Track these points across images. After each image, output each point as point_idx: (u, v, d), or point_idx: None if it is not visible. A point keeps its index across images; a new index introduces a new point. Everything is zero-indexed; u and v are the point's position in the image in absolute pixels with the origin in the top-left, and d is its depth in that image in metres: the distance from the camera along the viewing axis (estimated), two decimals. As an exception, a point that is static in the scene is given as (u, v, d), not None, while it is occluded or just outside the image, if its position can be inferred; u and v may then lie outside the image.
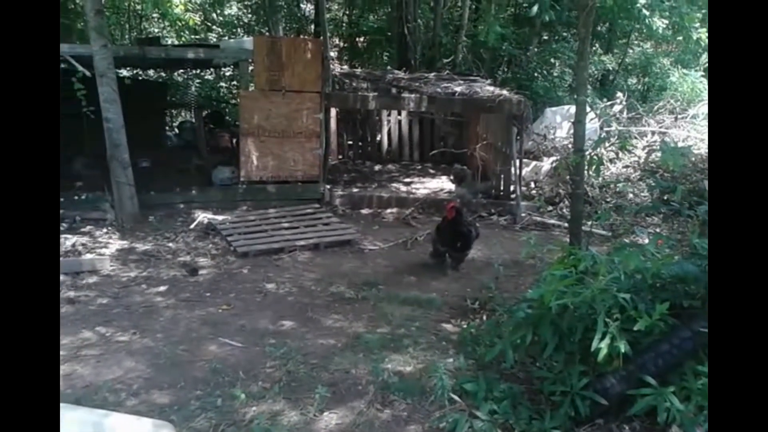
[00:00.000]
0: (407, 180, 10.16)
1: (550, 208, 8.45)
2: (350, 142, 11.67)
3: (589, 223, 6.07)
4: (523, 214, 8.10)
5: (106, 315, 4.95)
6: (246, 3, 17.37)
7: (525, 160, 8.90)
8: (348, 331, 4.72)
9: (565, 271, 3.35)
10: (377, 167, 10.98)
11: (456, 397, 3.59)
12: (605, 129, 10.08)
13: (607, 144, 8.30)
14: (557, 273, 3.31)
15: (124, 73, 13.64)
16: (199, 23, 16.06)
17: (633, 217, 8.05)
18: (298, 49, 7.97)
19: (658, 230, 7.27)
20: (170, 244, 6.76)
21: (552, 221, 7.98)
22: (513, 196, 8.40)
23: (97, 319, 4.85)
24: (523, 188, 8.68)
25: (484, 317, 4.94)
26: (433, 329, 4.76)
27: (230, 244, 6.64)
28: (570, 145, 9.91)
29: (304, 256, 6.53)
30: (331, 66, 11.19)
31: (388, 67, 12.09)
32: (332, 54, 15.81)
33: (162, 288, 5.58)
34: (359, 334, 4.61)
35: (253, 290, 5.56)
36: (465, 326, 4.72)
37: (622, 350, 2.91)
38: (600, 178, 8.50)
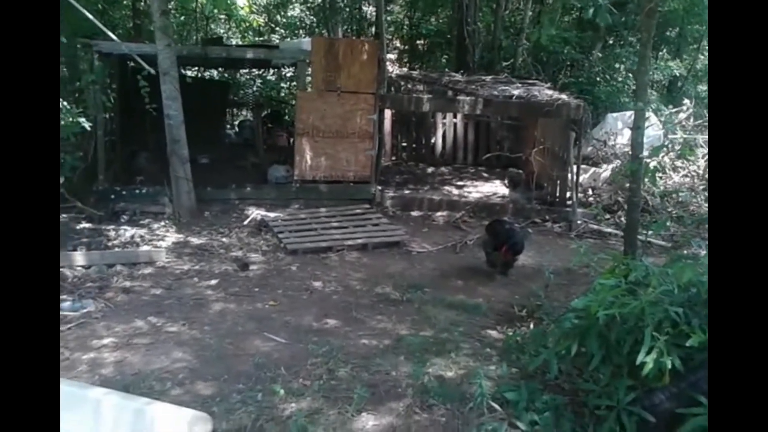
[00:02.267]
0: (460, 183, 10.06)
1: (607, 216, 8.17)
2: (404, 144, 11.66)
3: (646, 232, 5.83)
4: (579, 222, 7.87)
5: (158, 305, 5.10)
6: (309, 5, 17.68)
7: (583, 166, 8.67)
8: (391, 332, 4.69)
9: (615, 281, 3.22)
10: (430, 170, 10.92)
11: (496, 406, 3.51)
12: (669, 136, 9.69)
13: (667, 152, 7.95)
14: (606, 283, 3.18)
15: (189, 72, 14.15)
16: (263, 24, 16.42)
17: (696, 227, 7.70)
18: (354, 50, 8.02)
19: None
20: (223, 239, 6.92)
21: (609, 230, 7.72)
22: (569, 202, 8.18)
23: (149, 309, 5.01)
24: (581, 195, 8.44)
25: (531, 325, 4.82)
26: (477, 335, 4.67)
27: (281, 241, 6.74)
28: (631, 152, 9.61)
29: (352, 255, 6.55)
30: (388, 68, 11.24)
31: (446, 70, 12.00)
32: (392, 56, 15.92)
33: (213, 281, 5.71)
34: (402, 336, 4.57)
35: (300, 287, 5.62)
36: (510, 333, 4.61)
37: (670, 366, 2.76)
38: (661, 187, 8.16)
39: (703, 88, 14.76)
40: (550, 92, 8.74)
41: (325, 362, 4.14)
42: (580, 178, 8.38)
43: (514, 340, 4.40)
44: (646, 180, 4.65)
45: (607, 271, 3.54)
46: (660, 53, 13.98)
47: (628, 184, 8.45)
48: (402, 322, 4.88)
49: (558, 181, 8.52)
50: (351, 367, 4.07)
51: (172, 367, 4.07)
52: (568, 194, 8.27)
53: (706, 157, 7.89)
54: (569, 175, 8.12)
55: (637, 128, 4.68)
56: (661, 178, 7.57)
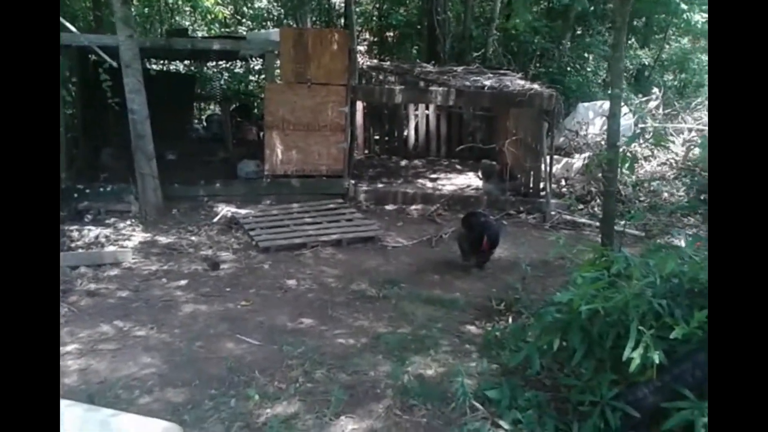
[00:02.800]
0: (433, 176, 9.97)
1: (581, 206, 8.17)
2: (377, 137, 11.52)
3: (622, 222, 5.82)
4: (553, 213, 7.85)
5: (125, 309, 4.90)
6: (277, -5, 17.37)
7: (556, 157, 8.64)
8: (368, 330, 4.58)
9: (596, 273, 3.15)
10: (403, 162, 10.81)
11: (478, 405, 3.43)
12: (640, 125, 9.74)
13: (641, 140, 7.97)
14: (588, 276, 3.12)
15: (154, 65, 13.76)
16: (229, 16, 16.08)
17: (668, 216, 7.75)
18: (324, 40, 7.84)
19: (695, 231, 6.96)
20: (193, 238, 6.71)
21: (583, 220, 7.73)
22: (543, 193, 8.16)
23: (116, 313, 4.80)
24: (554, 186, 8.42)
25: (510, 319, 4.76)
26: (456, 331, 4.59)
27: (252, 239, 6.56)
28: (603, 142, 9.63)
29: (326, 252, 6.42)
30: (359, 59, 11.07)
31: (417, 61, 11.89)
32: (361, 48, 15.72)
33: (182, 282, 5.51)
34: (379, 334, 4.47)
35: (273, 286, 5.47)
36: (489, 329, 4.54)
37: (657, 360, 2.70)
38: (634, 176, 8.19)
39: (669, 77, 14.95)
40: (521, 82, 8.69)
41: (300, 364, 4.01)
42: (553, 169, 8.35)
43: (493, 335, 4.34)
44: (624, 169, 4.59)
45: (587, 263, 3.47)
46: (629, 42, 14.08)
47: (601, 174, 8.55)
48: (379, 320, 4.77)
49: (531, 172, 8.49)
50: (328, 368, 3.95)
51: (140, 373, 3.90)
52: (541, 185, 8.25)
53: (678, 145, 7.94)
54: (542, 165, 8.09)
55: (613, 116, 4.63)
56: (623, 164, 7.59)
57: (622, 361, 3.02)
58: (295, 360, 4.07)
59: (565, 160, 9.32)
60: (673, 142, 8.99)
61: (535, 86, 8.40)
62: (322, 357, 4.11)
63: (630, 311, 2.81)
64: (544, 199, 7.99)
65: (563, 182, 9.07)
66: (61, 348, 4.18)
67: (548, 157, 8.02)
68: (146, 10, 14.75)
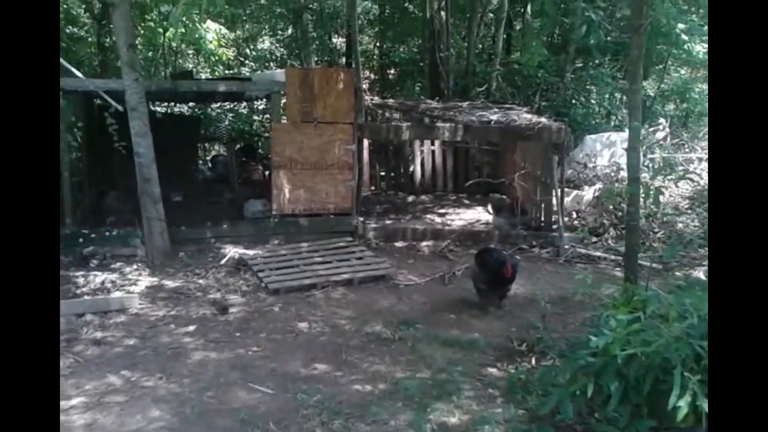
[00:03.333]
0: (442, 211, 9.85)
1: (594, 239, 8.03)
2: (383, 173, 11.45)
3: (643, 256, 5.67)
4: (566, 246, 7.69)
5: (132, 357, 4.73)
6: (279, 37, 17.57)
7: (566, 190, 8.53)
8: (385, 375, 4.40)
9: (630, 315, 2.98)
10: (410, 198, 10.70)
11: (508, 455, 3.23)
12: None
13: (662, 173, 7.84)
14: (622, 318, 2.95)
15: (159, 108, 13.84)
16: (232, 58, 16.23)
17: (684, 247, 7.58)
18: (330, 80, 7.83)
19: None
20: (200, 281, 6.56)
21: (598, 254, 7.56)
22: (555, 227, 8.01)
23: (123, 362, 4.63)
24: (565, 219, 8.28)
25: (533, 360, 4.57)
26: (477, 374, 4.40)
27: (261, 281, 6.41)
28: (612, 174, 9.54)
29: (338, 292, 6.25)
30: (364, 97, 11.09)
31: (421, 97, 11.91)
32: (363, 86, 15.84)
33: (191, 328, 5.34)
34: (398, 380, 4.28)
35: (284, 330, 5.29)
36: (513, 371, 4.36)
37: (707, 409, 2.52)
38: (658, 210, 8.05)
39: (670, 107, 14.95)
40: (528, 116, 8.65)
41: (317, 413, 3.82)
42: (564, 202, 8.23)
43: (518, 378, 4.14)
44: (648, 203, 4.46)
45: (619, 303, 3.30)
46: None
47: (612, 206, 8.42)
48: (396, 363, 4.59)
49: (542, 206, 8.36)
50: (346, 418, 3.77)
51: (148, 428, 3.72)
52: (553, 218, 8.11)
53: (690, 177, 7.82)
54: (553, 199, 7.97)
55: (633, 149, 4.52)
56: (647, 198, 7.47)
57: (659, 406, 2.84)
58: (310, 409, 3.88)
59: (575, 192, 9.21)
60: (694, 176, 8.83)
61: (543, 119, 8.35)
62: (338, 406, 3.92)
63: (672, 356, 2.64)
64: (557, 233, 7.85)
65: (574, 215, 8.93)
66: (66, 402, 4.02)
67: (559, 191, 7.90)
68: (150, 54, 14.92)
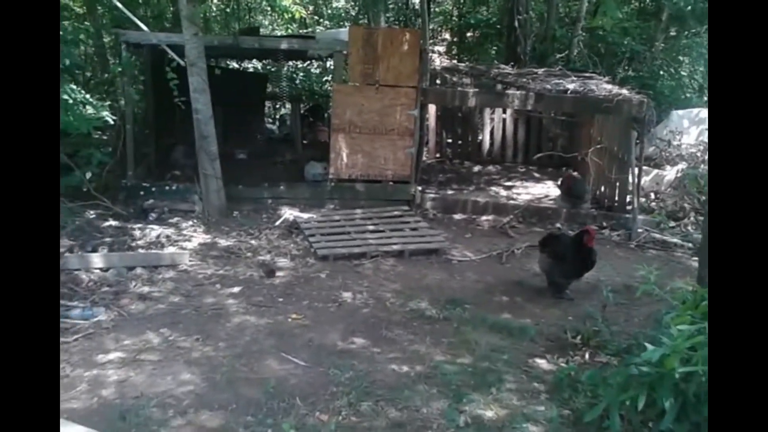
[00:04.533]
0: (508, 184, 9.39)
1: (672, 224, 7.39)
2: (449, 140, 11.03)
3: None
4: (639, 230, 7.12)
5: (173, 315, 4.71)
6: (354, -5, 17.22)
7: (645, 168, 7.87)
8: (424, 357, 4.16)
9: (694, 325, 2.58)
10: (476, 168, 10.27)
11: (544, 462, 2.94)
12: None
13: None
14: (684, 328, 2.54)
15: (233, 64, 13.89)
16: (306, 16, 16.03)
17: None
18: (395, 40, 7.46)
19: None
20: (252, 241, 6.51)
21: (675, 240, 6.95)
22: (629, 208, 7.43)
23: (163, 320, 4.62)
24: (642, 200, 7.66)
25: (587, 356, 4.20)
26: (523, 365, 4.09)
27: (311, 245, 6.28)
28: (699, 154, 8.74)
29: (387, 263, 6.03)
30: (434, 60, 10.63)
31: (495, 62, 11.31)
32: (440, 48, 15.28)
33: (236, 289, 5.29)
34: (436, 363, 4.03)
35: (327, 298, 5.14)
36: (563, 365, 4.01)
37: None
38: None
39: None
40: (608, 87, 7.98)
41: (346, 392, 3.64)
42: (641, 182, 7.60)
43: (567, 375, 3.80)
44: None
45: (685, 306, 2.89)
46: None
47: (696, 189, 7.70)
48: (437, 345, 4.34)
49: (617, 184, 7.76)
50: (375, 401, 3.56)
51: (177, 391, 3.66)
52: (627, 199, 7.52)
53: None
54: (629, 177, 7.37)
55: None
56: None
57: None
58: (341, 387, 3.71)
59: (655, 172, 8.51)
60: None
61: (624, 91, 7.67)
62: (370, 386, 3.73)
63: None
64: (631, 215, 7.27)
65: (652, 196, 8.27)
66: (104, 356, 4.05)
67: (636, 169, 7.29)
68: (227, 9, 14.95)
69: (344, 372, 3.88)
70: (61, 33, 6.13)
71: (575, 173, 8.84)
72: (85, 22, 9.37)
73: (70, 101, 5.62)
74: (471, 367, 4.00)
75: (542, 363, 4.13)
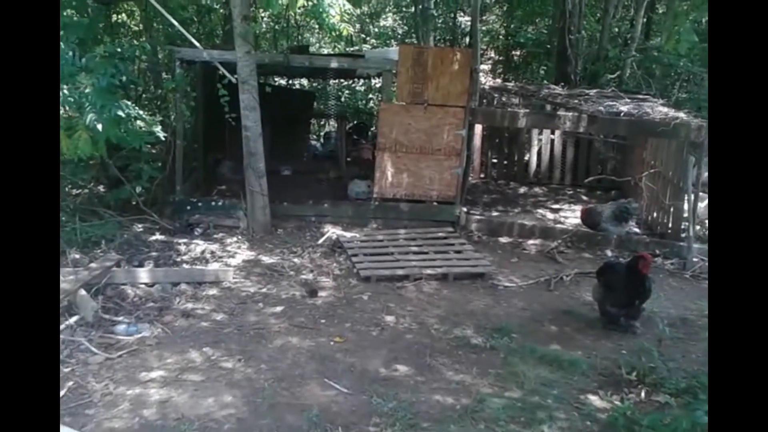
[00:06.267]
0: (555, 206, 9.16)
1: (729, 254, 7.03)
2: (494, 160, 10.86)
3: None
4: (695, 259, 6.81)
5: (216, 334, 4.69)
6: (402, 14, 17.26)
7: (700, 194, 7.55)
8: (470, 388, 4.01)
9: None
10: (522, 189, 10.08)
11: None
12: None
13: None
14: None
15: (280, 81, 14.06)
16: (354, 34, 16.14)
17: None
18: (445, 60, 7.39)
19: None
20: (295, 259, 6.48)
21: (733, 271, 6.60)
22: (683, 235, 7.12)
23: (206, 338, 4.61)
24: (697, 228, 7.34)
25: (643, 394, 3.98)
26: (575, 401, 3.90)
27: (354, 265, 6.21)
28: None
29: (430, 286, 5.90)
30: (481, 79, 10.52)
31: (545, 82, 11.12)
32: (485, 67, 15.16)
33: (278, 308, 5.25)
34: (483, 396, 3.88)
35: (370, 321, 5.05)
36: (618, 403, 3.81)
37: None
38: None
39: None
40: (664, 109, 7.72)
41: (390, 424, 3.53)
42: (697, 208, 7.27)
43: (623, 414, 3.59)
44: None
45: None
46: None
47: None
48: (484, 376, 4.18)
49: (671, 210, 7.46)
50: (419, 434, 3.44)
51: (218, 414, 3.61)
52: (683, 226, 7.21)
53: None
54: (685, 204, 7.07)
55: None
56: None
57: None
58: (384, 418, 3.60)
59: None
60: None
61: (681, 114, 7.41)
62: (414, 417, 3.61)
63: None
64: (686, 243, 6.96)
65: (707, 224, 7.92)
66: (146, 374, 4.04)
67: (692, 195, 6.99)
68: (277, 27, 15.17)
69: (387, 401, 3.77)
70: (118, 50, 6.29)
71: (591, 205, 8.46)
72: (141, 38, 9.61)
73: (124, 116, 5.72)
74: (520, 401, 3.84)
75: (595, 399, 3.93)
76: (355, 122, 14.00)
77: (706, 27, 12.25)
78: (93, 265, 5.40)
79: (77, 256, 5.76)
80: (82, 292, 4.87)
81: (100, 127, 5.23)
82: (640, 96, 8.74)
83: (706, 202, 7.98)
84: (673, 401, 3.79)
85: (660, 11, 13.36)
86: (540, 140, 10.48)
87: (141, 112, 5.94)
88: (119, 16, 10.28)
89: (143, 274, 5.51)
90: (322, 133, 14.75)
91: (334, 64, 7.76)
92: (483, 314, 5.29)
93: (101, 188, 8.01)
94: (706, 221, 7.89)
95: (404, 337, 4.79)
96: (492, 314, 5.31)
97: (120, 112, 5.48)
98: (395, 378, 4.14)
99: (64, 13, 7.03)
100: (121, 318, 4.81)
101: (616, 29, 12.86)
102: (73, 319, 4.63)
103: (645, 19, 12.15)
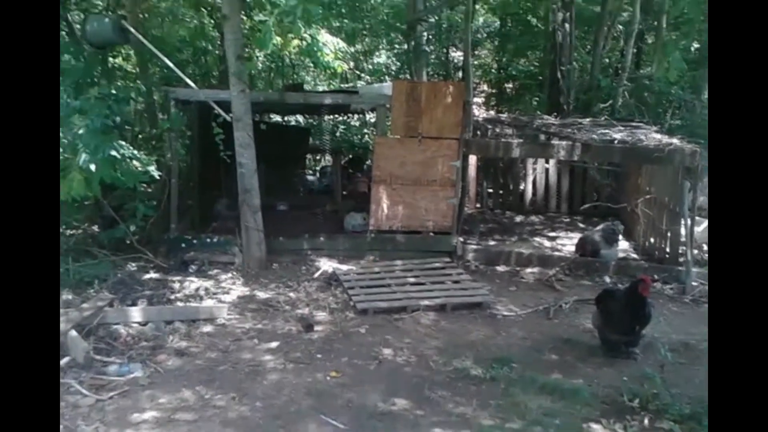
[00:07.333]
0: (552, 234, 9.14)
1: (728, 277, 6.97)
2: (490, 190, 10.88)
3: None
4: (694, 283, 6.75)
5: (210, 372, 4.60)
6: (396, 51, 17.54)
7: (697, 219, 7.53)
8: (471, 421, 3.92)
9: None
10: (518, 218, 10.07)
11: None
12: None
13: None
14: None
15: (276, 118, 14.20)
16: (349, 71, 16.36)
17: None
18: (438, 93, 7.47)
19: None
20: (291, 294, 6.42)
21: (733, 295, 6.54)
22: (681, 260, 7.08)
23: (200, 377, 4.52)
24: (694, 252, 7.30)
25: (646, 421, 3.88)
26: (577, 430, 3.80)
27: (351, 298, 6.15)
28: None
29: (428, 317, 5.83)
30: (474, 111, 10.61)
31: (537, 112, 11.22)
32: (478, 100, 15.33)
33: (273, 344, 5.16)
34: (484, 429, 3.79)
35: (367, 355, 4.96)
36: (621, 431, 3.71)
37: None
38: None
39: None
40: (658, 136, 7.76)
41: (388, 460, 3.42)
42: (694, 233, 7.25)
43: (626, 443, 3.50)
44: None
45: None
46: None
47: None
48: (484, 408, 4.09)
49: (669, 235, 7.43)
50: (419, 471, 3.33)
51: (211, 454, 3.51)
52: (680, 251, 7.18)
53: None
54: (682, 228, 7.05)
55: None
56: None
57: None
58: (382, 454, 3.50)
59: (707, 222, 8.13)
60: None
61: (675, 141, 7.44)
62: (413, 453, 3.51)
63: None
64: (684, 267, 6.92)
65: (704, 248, 7.89)
66: (138, 415, 3.94)
67: (689, 220, 6.97)
68: (272, 65, 15.39)
69: (386, 437, 3.67)
70: (113, 92, 6.34)
71: (585, 234, 8.42)
72: (137, 81, 9.73)
73: (119, 157, 5.74)
74: (521, 433, 3.74)
75: (598, 428, 3.84)
76: (351, 156, 14.09)
77: (695, 55, 12.48)
78: (85, 305, 5.34)
79: (69, 297, 5.71)
80: (73, 332, 4.79)
81: (93, 167, 5.25)
82: (633, 124, 8.80)
83: (704, 225, 7.99)
84: (677, 428, 3.70)
85: (649, 41, 13.59)
86: (535, 169, 10.52)
87: (136, 152, 5.98)
88: (115, 60, 10.43)
89: (136, 313, 5.44)
90: (318, 168, 14.83)
91: (328, 101, 7.86)
92: (482, 345, 5.21)
93: (95, 228, 7.98)
94: (704, 245, 7.88)
95: (402, 370, 4.70)
96: (491, 344, 5.23)
97: (114, 153, 5.51)
98: (394, 413, 4.04)
99: (61, 59, 7.14)
100: (112, 358, 4.73)
101: (607, 59, 13.06)
102: (63, 361, 4.53)
103: (635, 49, 12.35)
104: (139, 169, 6.10)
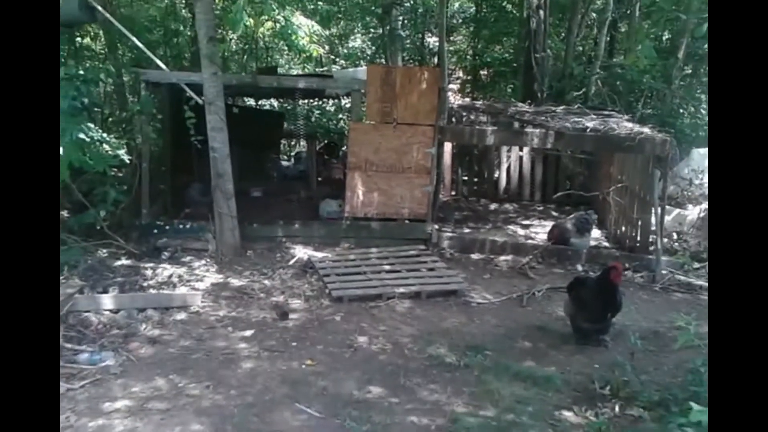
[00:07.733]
0: (526, 222, 9.23)
1: (696, 265, 7.14)
2: (465, 178, 10.93)
3: None
4: (663, 272, 6.89)
5: (184, 361, 4.55)
6: (371, 35, 17.42)
7: (667, 208, 7.68)
8: (444, 408, 3.95)
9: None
10: (493, 206, 10.14)
11: None
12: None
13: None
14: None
15: (251, 102, 14.02)
16: (324, 55, 16.21)
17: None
18: (413, 79, 7.43)
19: None
20: (266, 281, 6.38)
21: (700, 282, 6.71)
22: (652, 249, 7.22)
23: (173, 365, 4.47)
24: (665, 240, 7.45)
25: (617, 408, 3.96)
26: (549, 417, 3.87)
27: (326, 286, 6.13)
28: None
29: (403, 305, 5.85)
30: (450, 98, 10.61)
31: (512, 100, 11.28)
32: (453, 86, 15.33)
33: (248, 332, 5.13)
34: (457, 416, 3.82)
35: (342, 343, 4.96)
36: (592, 419, 3.79)
37: None
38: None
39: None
40: (629, 125, 7.86)
41: (363, 448, 3.44)
42: (664, 222, 7.39)
43: (597, 430, 3.58)
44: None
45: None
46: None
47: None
48: (458, 395, 4.13)
49: (639, 224, 7.57)
50: (394, 458, 3.36)
51: (184, 444, 3.48)
52: (650, 239, 7.32)
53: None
54: (652, 217, 7.18)
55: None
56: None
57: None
58: (357, 442, 3.51)
59: (677, 211, 8.31)
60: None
61: (646, 129, 7.55)
62: (388, 440, 3.53)
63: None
64: (654, 256, 7.06)
65: (675, 237, 8.05)
66: (110, 404, 3.89)
67: (659, 209, 7.10)
68: (246, 47, 15.14)
69: (361, 425, 3.68)
70: (81, 72, 6.16)
71: (557, 222, 8.51)
72: (106, 62, 9.50)
73: (88, 140, 5.59)
74: (494, 420, 3.79)
75: (570, 416, 3.90)
76: (326, 142, 14.00)
77: (666, 44, 12.65)
78: (54, 292, 5.22)
79: (38, 284, 5.57)
80: (43, 320, 4.69)
81: (61, 150, 5.10)
82: (606, 112, 8.89)
83: (674, 214, 8.16)
84: (646, 414, 3.78)
85: (622, 30, 13.72)
86: (509, 157, 10.58)
87: (105, 136, 5.84)
88: (83, 40, 10.15)
89: (107, 301, 5.35)
90: (292, 154, 14.70)
91: (302, 84, 7.76)
92: (457, 332, 5.25)
93: (64, 213, 7.79)
94: (674, 234, 8.04)
95: (377, 358, 4.72)
96: (466, 332, 5.27)
97: (82, 136, 5.37)
98: (369, 400, 4.06)
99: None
100: (84, 347, 4.65)
101: (581, 48, 13.16)
102: (32, 350, 4.44)
103: (608, 38, 12.45)
104: (109, 152, 5.96)
